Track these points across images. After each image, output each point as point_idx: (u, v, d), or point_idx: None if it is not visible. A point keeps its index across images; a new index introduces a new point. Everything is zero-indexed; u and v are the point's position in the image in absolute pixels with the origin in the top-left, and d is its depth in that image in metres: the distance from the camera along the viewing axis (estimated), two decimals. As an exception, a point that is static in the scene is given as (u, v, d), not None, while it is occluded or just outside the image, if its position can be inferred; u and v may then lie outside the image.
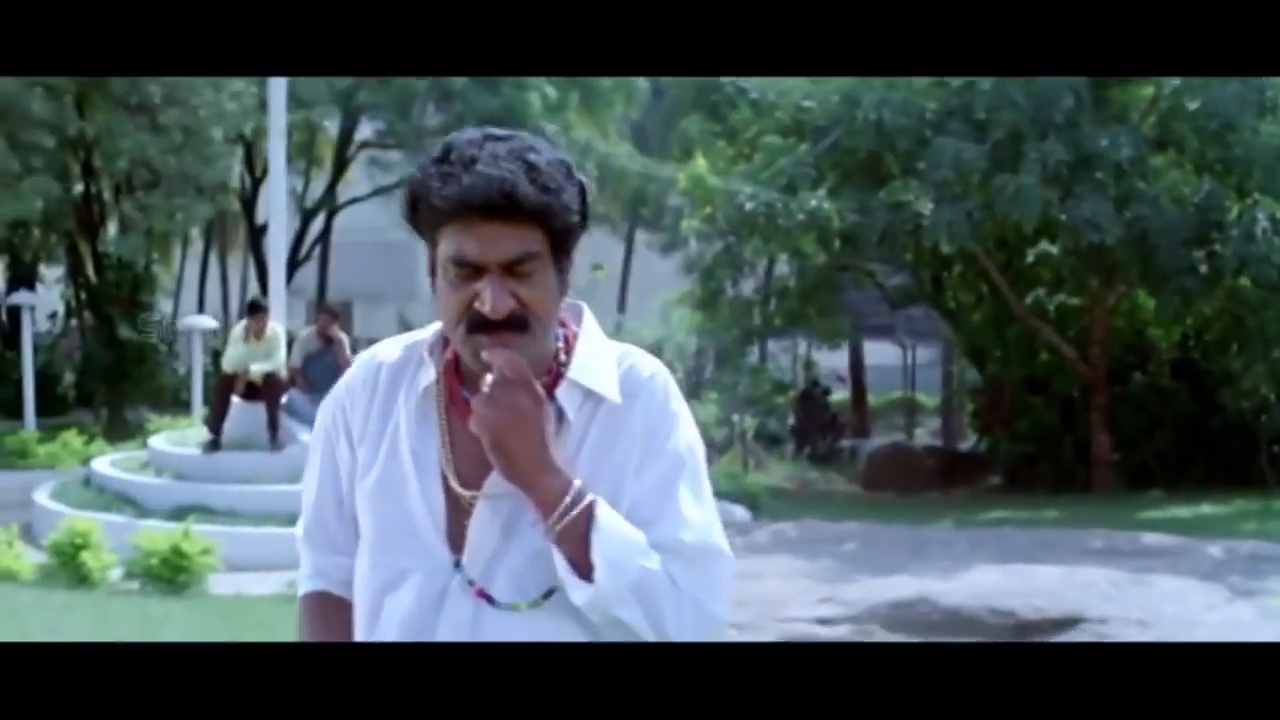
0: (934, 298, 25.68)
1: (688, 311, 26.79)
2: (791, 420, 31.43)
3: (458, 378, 2.61)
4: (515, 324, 2.46)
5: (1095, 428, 22.29)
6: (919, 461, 26.10)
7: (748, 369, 24.95)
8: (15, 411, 25.84)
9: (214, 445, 16.63)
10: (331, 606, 2.78)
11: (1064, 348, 22.86)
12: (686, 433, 2.62)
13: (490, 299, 2.43)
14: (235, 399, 16.71)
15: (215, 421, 16.83)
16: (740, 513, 18.38)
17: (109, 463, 18.13)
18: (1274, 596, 11.70)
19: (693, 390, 28.45)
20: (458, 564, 2.55)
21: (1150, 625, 10.75)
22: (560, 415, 2.55)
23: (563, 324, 2.64)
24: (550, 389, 2.55)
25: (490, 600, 2.53)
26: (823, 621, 11.22)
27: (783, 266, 24.69)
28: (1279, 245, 19.31)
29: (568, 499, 2.44)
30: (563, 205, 2.46)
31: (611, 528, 2.45)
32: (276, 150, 15.89)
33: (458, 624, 2.53)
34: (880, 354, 36.42)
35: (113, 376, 27.59)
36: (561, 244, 2.50)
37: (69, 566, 12.83)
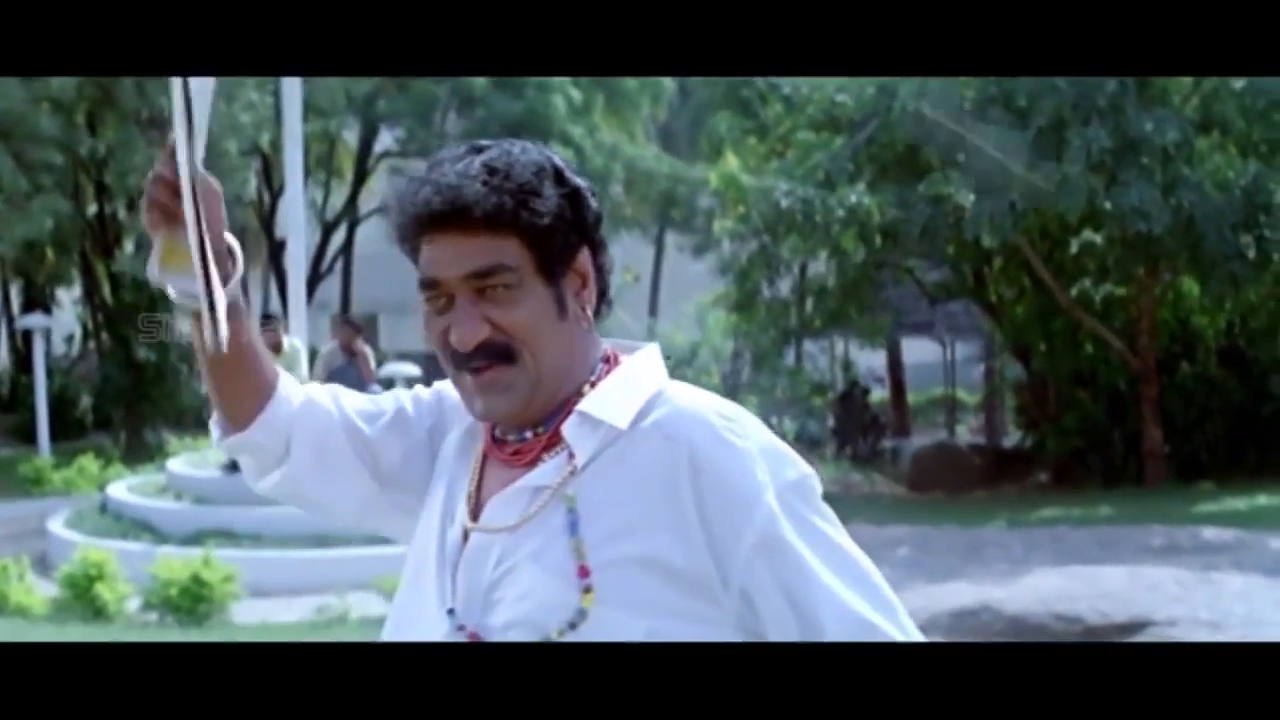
0: (975, 292, 25.24)
1: (723, 314, 26.39)
2: (831, 422, 31.09)
3: None
4: (496, 354, 2.10)
5: (1146, 420, 21.80)
6: (965, 460, 25.61)
7: (785, 371, 24.60)
8: (31, 437, 25.62)
9: (235, 466, 15.90)
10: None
11: (1111, 339, 22.37)
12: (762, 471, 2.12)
13: (456, 328, 2.10)
14: (258, 417, 16.06)
15: None
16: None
17: (125, 488, 17.67)
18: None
19: (730, 394, 28.10)
20: (451, 610, 2.17)
21: (1221, 627, 10.42)
22: (569, 455, 2.13)
23: (607, 360, 2.24)
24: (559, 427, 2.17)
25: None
26: (880, 633, 10.84)
27: (818, 265, 24.25)
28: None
29: None
30: (531, 209, 2.08)
31: None
32: (294, 159, 15.43)
33: None
34: (919, 351, 36.03)
35: (131, 398, 27.17)
36: (545, 256, 2.12)
37: (83, 599, 12.34)
